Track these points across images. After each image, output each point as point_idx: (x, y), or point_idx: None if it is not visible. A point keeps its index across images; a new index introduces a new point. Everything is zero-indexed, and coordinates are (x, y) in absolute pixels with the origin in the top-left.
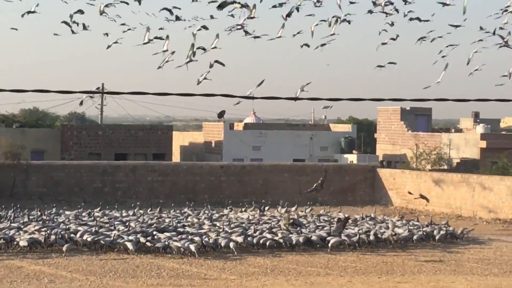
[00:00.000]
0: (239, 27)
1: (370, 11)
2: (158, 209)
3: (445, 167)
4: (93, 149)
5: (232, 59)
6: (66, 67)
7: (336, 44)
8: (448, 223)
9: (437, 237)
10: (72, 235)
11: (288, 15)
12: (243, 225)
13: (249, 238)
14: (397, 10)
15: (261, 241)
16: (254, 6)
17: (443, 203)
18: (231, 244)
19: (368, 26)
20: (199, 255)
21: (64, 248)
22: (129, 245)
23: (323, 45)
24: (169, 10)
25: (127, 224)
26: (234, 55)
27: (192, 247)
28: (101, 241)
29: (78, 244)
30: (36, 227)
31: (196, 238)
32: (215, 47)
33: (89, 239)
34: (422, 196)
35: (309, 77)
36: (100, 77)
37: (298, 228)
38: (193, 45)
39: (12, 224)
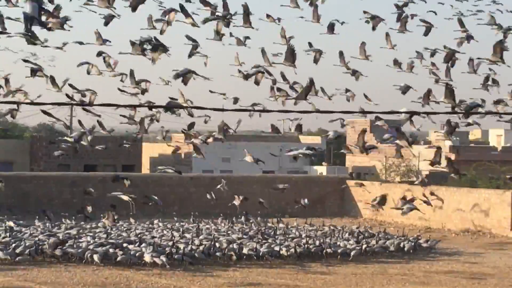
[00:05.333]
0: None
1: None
2: (128, 220)
3: (414, 179)
4: (62, 160)
5: (203, 69)
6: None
7: (307, 56)
8: (419, 236)
9: (405, 249)
10: (40, 246)
11: None
12: (211, 236)
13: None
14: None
15: (228, 252)
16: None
17: (412, 214)
18: (197, 255)
19: (344, 37)
20: (169, 267)
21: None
22: (96, 257)
23: None
24: None
25: (96, 235)
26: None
27: (163, 258)
28: (70, 253)
29: (47, 256)
30: (5, 239)
31: (167, 249)
32: None
33: (57, 251)
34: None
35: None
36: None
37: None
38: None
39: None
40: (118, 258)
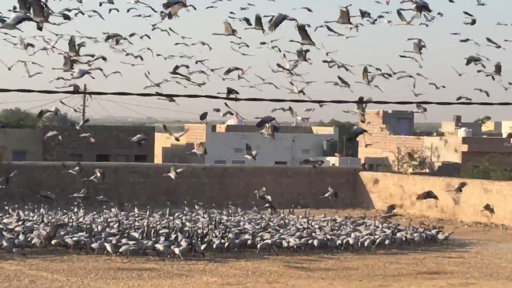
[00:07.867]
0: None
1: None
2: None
3: (427, 170)
4: (75, 150)
5: (216, 60)
6: (49, 67)
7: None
8: (431, 227)
9: (417, 240)
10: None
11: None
12: (223, 226)
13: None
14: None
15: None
16: None
17: (425, 206)
18: (209, 244)
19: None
20: (181, 256)
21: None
22: (108, 247)
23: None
24: None
25: (108, 225)
26: (218, 55)
27: (175, 248)
28: (82, 242)
29: (59, 245)
30: (18, 228)
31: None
32: None
33: (70, 240)
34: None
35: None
36: (83, 78)
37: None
38: None
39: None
40: (125, 247)
